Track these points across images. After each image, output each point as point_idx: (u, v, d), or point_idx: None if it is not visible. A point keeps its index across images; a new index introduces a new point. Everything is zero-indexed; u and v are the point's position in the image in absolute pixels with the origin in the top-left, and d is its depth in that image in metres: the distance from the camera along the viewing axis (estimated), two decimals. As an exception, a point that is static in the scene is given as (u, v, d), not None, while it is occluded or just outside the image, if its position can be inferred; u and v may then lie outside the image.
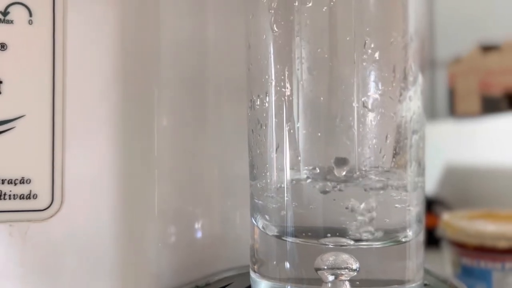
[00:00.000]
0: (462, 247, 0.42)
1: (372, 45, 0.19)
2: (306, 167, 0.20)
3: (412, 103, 0.20)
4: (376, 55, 0.19)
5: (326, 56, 0.19)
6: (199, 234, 0.26)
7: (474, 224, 0.42)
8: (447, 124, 0.85)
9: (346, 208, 0.19)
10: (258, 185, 0.21)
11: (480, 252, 0.40)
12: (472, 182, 0.74)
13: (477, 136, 0.75)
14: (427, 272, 0.23)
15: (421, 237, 0.21)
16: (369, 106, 0.19)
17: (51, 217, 0.21)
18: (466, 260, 0.41)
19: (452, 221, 0.43)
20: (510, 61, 0.77)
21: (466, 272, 0.42)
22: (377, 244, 0.20)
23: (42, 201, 0.21)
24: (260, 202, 0.21)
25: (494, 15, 1.02)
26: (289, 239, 0.20)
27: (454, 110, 0.92)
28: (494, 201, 0.65)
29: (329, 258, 0.19)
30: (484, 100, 0.82)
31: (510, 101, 0.78)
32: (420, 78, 0.21)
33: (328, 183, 0.19)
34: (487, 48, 0.83)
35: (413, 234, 0.21)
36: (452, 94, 0.92)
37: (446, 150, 0.79)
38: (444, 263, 0.45)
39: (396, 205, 0.20)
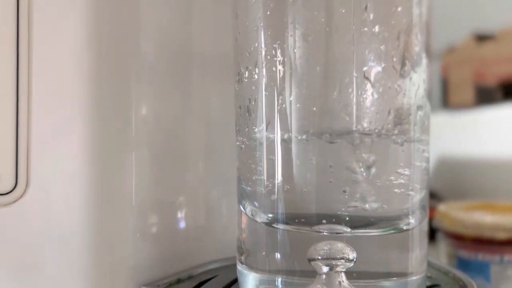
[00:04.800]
0: (459, 239, 0.40)
1: (374, 9, 0.17)
2: (300, 146, 0.18)
3: (417, 76, 0.18)
4: (379, 19, 0.17)
5: (323, 20, 0.17)
6: (181, 224, 0.25)
7: (472, 215, 0.40)
8: (440, 115, 0.84)
9: (344, 191, 0.17)
10: (246, 168, 0.19)
11: (478, 244, 0.39)
12: (465, 174, 0.73)
13: (471, 128, 0.74)
14: (427, 263, 0.21)
15: (425, 225, 0.19)
16: (371, 78, 0.17)
17: (14, 201, 0.20)
18: (463, 252, 0.40)
19: (449, 212, 0.42)
20: (505, 50, 0.76)
21: (462, 265, 0.40)
22: (376, 232, 0.18)
23: (4, 184, 0.20)
24: (248, 187, 0.19)
25: (489, 3, 1.01)
26: (280, 226, 0.18)
27: (447, 101, 0.91)
28: (487, 193, 0.64)
29: (324, 248, 0.18)
30: (479, 90, 0.81)
31: (505, 91, 0.78)
32: (424, 52, 0.19)
33: (324, 163, 0.17)
34: (482, 37, 0.83)
35: (416, 222, 0.19)
36: (445, 85, 0.92)
37: (439, 142, 0.78)
38: (439, 256, 0.44)
39: (396, 190, 0.18)
